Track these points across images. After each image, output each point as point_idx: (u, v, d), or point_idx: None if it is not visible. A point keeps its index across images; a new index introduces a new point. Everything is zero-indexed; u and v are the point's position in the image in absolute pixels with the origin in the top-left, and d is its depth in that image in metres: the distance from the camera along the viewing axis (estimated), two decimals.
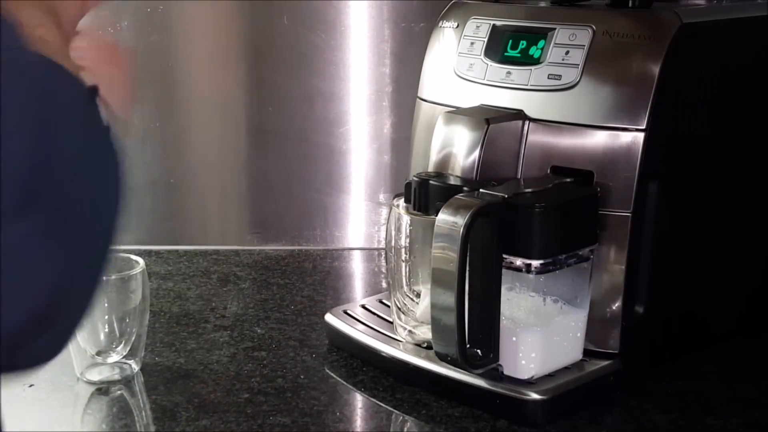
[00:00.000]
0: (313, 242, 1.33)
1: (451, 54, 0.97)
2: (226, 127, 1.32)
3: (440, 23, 1.01)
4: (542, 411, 0.83)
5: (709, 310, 0.97)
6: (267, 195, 1.35)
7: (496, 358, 0.84)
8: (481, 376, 0.85)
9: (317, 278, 1.20)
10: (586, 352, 0.89)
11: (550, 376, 0.86)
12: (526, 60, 0.91)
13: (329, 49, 1.28)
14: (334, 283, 1.20)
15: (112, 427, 0.84)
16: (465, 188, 0.85)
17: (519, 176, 0.90)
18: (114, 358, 0.93)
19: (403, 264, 0.93)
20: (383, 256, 1.26)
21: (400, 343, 0.93)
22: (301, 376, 0.93)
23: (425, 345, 0.91)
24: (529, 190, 0.84)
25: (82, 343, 0.91)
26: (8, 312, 0.45)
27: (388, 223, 0.93)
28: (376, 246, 1.33)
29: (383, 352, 0.93)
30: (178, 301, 1.12)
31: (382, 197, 1.32)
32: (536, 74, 0.90)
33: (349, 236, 1.33)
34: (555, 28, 0.90)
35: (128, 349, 0.93)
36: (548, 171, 0.88)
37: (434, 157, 0.90)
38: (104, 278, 0.90)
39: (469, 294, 0.81)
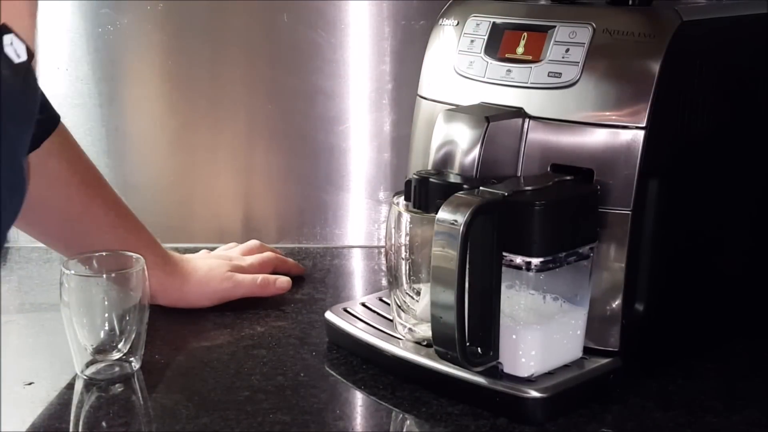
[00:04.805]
0: (313, 240, 1.33)
1: (451, 52, 0.97)
2: (226, 125, 1.32)
3: (440, 21, 1.00)
4: (542, 409, 0.83)
5: (710, 307, 0.97)
6: (267, 193, 1.35)
7: (496, 355, 0.84)
8: (481, 373, 0.85)
9: (317, 276, 1.20)
10: (586, 350, 0.89)
11: (549, 373, 0.86)
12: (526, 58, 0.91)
13: (329, 47, 1.28)
14: (334, 280, 1.20)
15: (112, 425, 0.84)
16: (465, 186, 0.85)
17: (519, 174, 0.90)
18: (114, 355, 0.93)
19: (403, 262, 0.93)
20: (383, 253, 1.26)
21: (400, 340, 0.93)
22: (301, 374, 0.93)
23: (425, 343, 0.91)
24: (529, 187, 0.84)
25: (82, 340, 0.91)
26: None
27: (387, 221, 0.93)
28: (376, 244, 1.33)
29: (383, 349, 0.93)
30: None
31: (382, 195, 1.32)
32: (536, 72, 0.90)
33: (349, 234, 1.33)
34: (555, 26, 0.90)
35: (128, 346, 0.92)
36: (548, 169, 0.88)
37: (434, 154, 0.90)
38: (102, 275, 0.91)
39: (468, 292, 0.81)
